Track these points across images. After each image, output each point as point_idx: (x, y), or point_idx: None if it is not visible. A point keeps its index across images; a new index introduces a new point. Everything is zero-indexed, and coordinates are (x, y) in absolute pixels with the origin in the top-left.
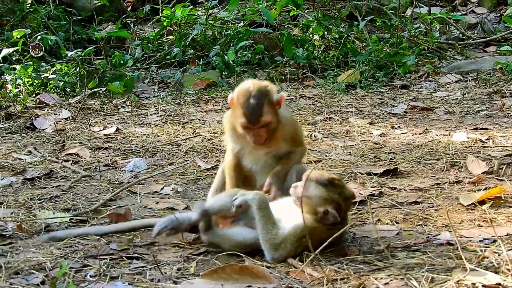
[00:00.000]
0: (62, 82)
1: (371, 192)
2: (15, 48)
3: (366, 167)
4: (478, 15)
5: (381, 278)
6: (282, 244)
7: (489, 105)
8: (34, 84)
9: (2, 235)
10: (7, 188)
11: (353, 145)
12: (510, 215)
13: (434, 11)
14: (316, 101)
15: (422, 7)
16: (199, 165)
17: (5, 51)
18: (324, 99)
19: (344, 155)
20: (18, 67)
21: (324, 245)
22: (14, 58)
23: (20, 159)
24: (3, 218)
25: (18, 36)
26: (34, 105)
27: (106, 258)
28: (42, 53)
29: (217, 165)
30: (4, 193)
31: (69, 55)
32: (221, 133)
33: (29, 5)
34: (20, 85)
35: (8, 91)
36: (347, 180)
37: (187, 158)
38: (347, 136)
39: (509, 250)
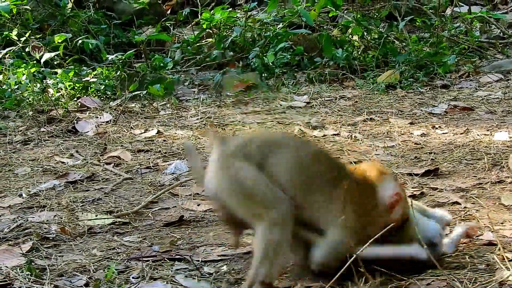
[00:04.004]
0: (103, 86)
1: (412, 193)
2: (57, 53)
3: (407, 168)
4: None
5: (423, 279)
6: None
7: None
8: (76, 88)
9: (46, 237)
10: (50, 191)
11: (393, 146)
12: None
13: (474, 10)
14: (356, 101)
15: (462, 6)
16: None
17: (47, 55)
18: (364, 100)
19: (384, 156)
20: (59, 71)
21: (369, 243)
22: (55, 62)
23: (63, 163)
24: (47, 220)
25: (60, 41)
26: (75, 109)
27: (149, 260)
28: (42, 53)
29: None
30: (48, 196)
31: (109, 58)
32: None
33: (69, 9)
34: (62, 89)
35: (50, 95)
36: None
37: None
38: (387, 137)
39: None
